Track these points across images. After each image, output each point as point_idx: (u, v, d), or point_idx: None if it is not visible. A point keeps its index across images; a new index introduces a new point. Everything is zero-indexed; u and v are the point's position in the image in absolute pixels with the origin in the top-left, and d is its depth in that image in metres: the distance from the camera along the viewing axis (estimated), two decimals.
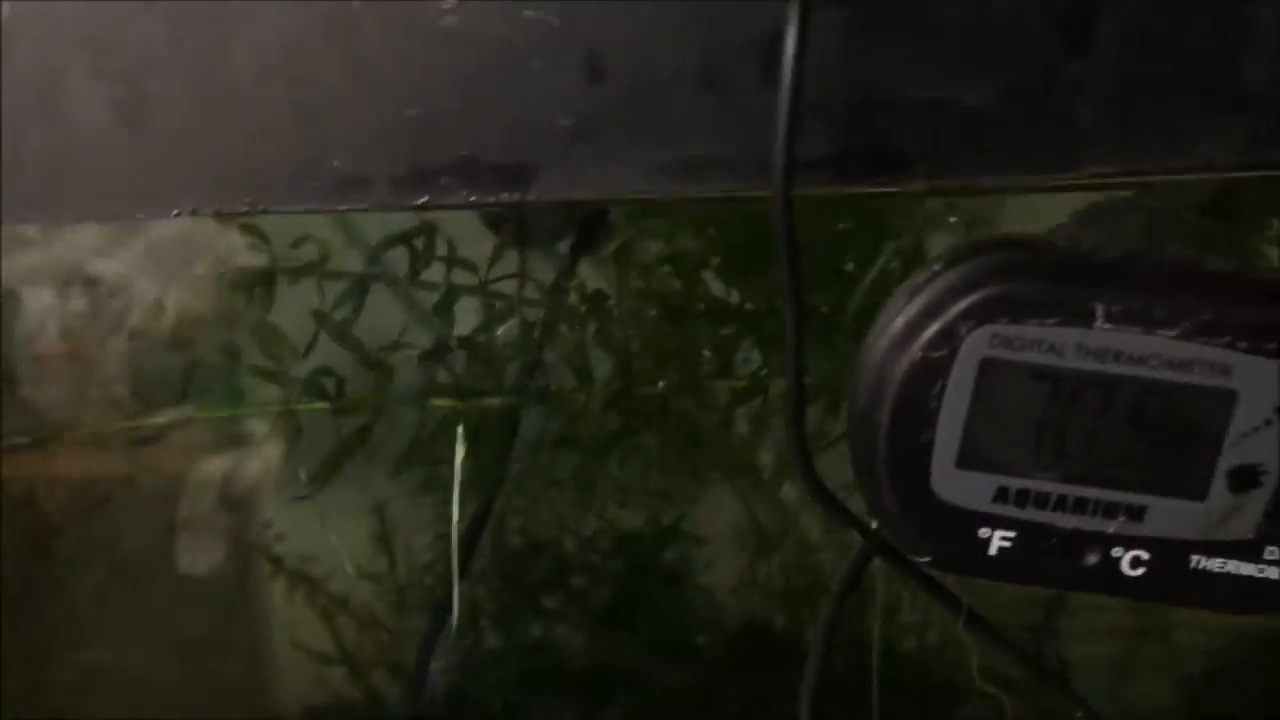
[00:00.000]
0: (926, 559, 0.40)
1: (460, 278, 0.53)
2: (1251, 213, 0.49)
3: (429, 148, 0.40)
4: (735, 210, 0.59)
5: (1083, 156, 0.39)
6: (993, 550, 0.39)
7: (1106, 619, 0.83)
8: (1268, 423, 0.37)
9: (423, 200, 0.40)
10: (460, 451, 0.50)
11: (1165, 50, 0.38)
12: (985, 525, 0.39)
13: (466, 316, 0.54)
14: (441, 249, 0.53)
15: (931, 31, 0.38)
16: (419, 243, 0.53)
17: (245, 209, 0.41)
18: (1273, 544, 0.38)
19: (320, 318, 0.55)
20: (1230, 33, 0.38)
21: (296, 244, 0.59)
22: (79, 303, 0.66)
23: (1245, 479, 0.37)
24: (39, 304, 0.67)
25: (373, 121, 0.40)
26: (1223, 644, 0.82)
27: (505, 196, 0.40)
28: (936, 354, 0.36)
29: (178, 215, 0.41)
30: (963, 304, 0.36)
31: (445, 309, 0.54)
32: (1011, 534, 0.39)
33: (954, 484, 0.38)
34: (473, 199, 0.40)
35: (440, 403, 0.53)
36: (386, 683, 0.82)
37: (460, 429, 0.50)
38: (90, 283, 0.66)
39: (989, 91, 0.38)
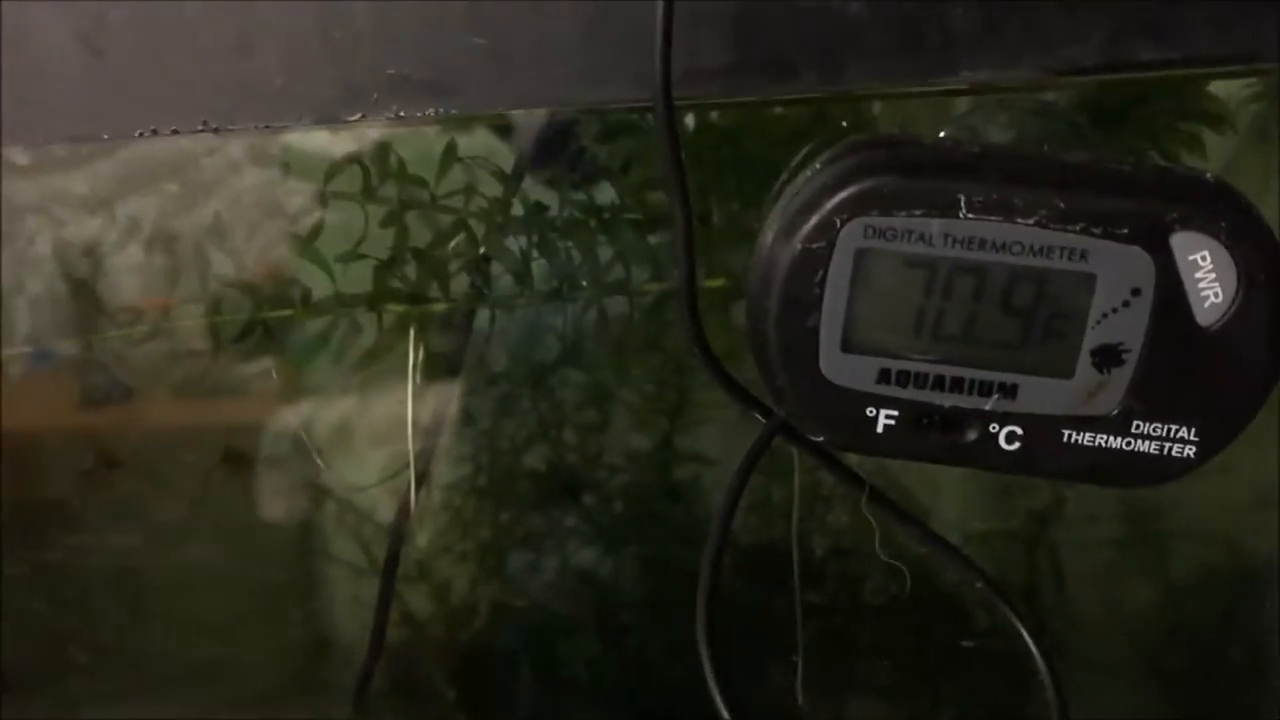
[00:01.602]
0: (820, 438, 0.43)
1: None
2: (1154, 118, 0.51)
3: (358, 67, 0.44)
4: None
5: (957, 61, 0.41)
6: (879, 428, 0.42)
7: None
8: (1125, 304, 0.39)
9: (357, 115, 0.44)
10: (414, 353, 0.54)
11: None
12: (871, 405, 0.42)
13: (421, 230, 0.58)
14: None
15: None
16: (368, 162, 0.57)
17: (200, 129, 0.45)
18: (1139, 418, 0.41)
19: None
20: None
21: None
22: (161, 259, 0.70)
23: (1108, 357, 0.40)
24: (124, 261, 0.71)
25: (305, 43, 0.44)
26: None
27: (430, 111, 0.44)
28: (816, 245, 0.40)
29: (140, 136, 0.45)
30: (837, 199, 0.39)
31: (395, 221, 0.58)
32: (895, 413, 0.42)
33: (840, 367, 0.41)
34: (401, 114, 0.44)
35: (393, 307, 0.57)
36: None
37: (413, 331, 0.55)
38: (172, 239, 0.70)
39: (868, 1, 0.41)
